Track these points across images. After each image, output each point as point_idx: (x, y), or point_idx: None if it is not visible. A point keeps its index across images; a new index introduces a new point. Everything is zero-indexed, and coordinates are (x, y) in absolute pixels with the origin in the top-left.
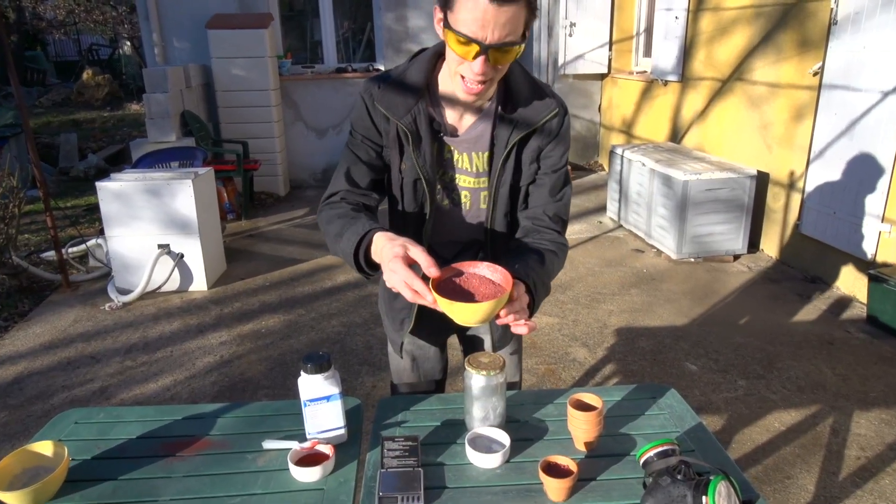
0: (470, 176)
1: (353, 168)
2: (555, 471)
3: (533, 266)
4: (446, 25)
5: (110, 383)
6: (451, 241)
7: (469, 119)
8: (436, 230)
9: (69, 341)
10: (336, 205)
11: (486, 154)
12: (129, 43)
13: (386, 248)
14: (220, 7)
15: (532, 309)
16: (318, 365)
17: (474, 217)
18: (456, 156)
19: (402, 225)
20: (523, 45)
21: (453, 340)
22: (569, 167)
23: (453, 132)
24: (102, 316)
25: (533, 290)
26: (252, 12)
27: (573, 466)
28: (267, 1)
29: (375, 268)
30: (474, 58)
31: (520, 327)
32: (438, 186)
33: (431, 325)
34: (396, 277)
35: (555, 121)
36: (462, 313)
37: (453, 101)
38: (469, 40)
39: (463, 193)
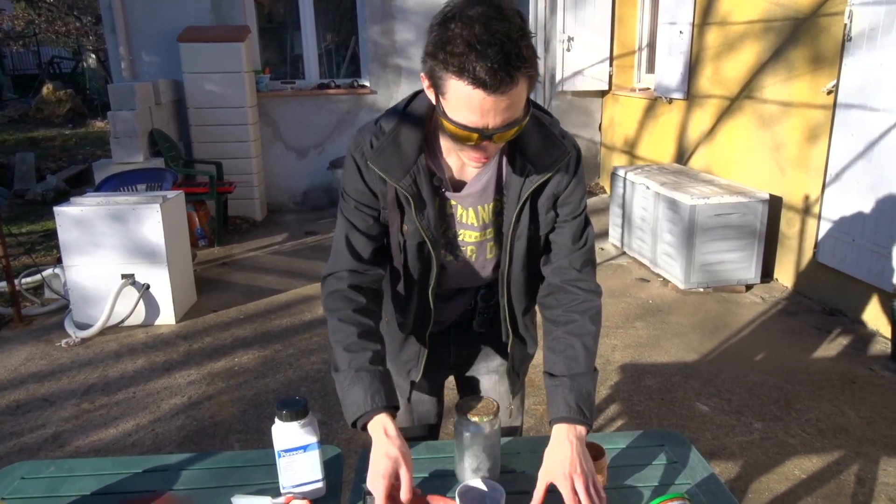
0: (475, 231)
1: (352, 237)
2: None
3: (577, 382)
4: (440, 113)
5: (65, 429)
6: (457, 289)
7: (472, 170)
8: (439, 283)
9: (19, 382)
10: (339, 297)
11: (491, 205)
12: (93, 56)
13: (378, 449)
14: (193, 19)
15: (589, 421)
16: (294, 411)
17: (480, 267)
18: (460, 211)
19: (405, 282)
20: (527, 117)
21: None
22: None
23: (456, 187)
24: (58, 353)
25: (586, 415)
26: (228, 24)
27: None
28: (244, 13)
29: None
30: (476, 144)
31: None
32: (440, 246)
33: (431, 365)
34: (374, 489)
35: (568, 169)
36: None
37: (453, 153)
38: (468, 129)
39: (469, 248)
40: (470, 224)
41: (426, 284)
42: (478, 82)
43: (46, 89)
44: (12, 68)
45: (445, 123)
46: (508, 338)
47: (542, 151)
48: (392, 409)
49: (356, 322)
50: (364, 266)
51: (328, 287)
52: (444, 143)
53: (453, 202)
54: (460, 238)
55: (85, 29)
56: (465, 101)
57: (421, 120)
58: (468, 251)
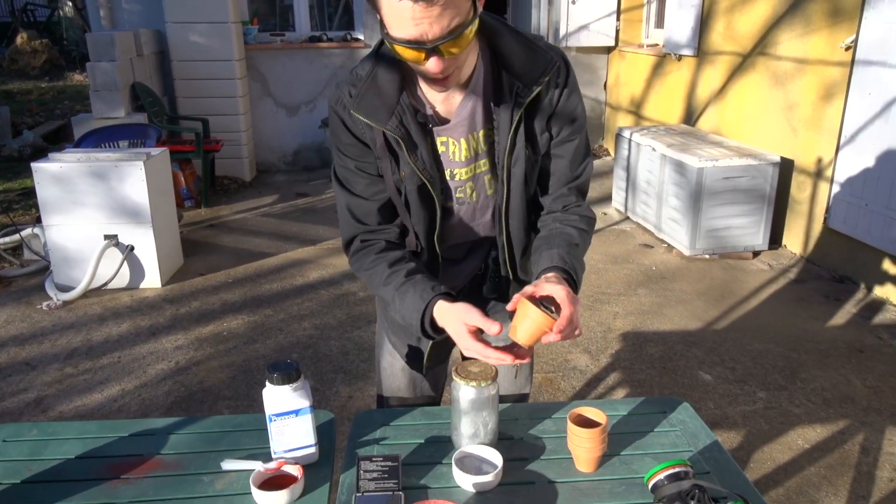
0: (467, 166)
1: (353, 205)
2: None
3: (570, 251)
4: (384, 36)
5: (47, 393)
6: (461, 244)
7: (457, 97)
8: (444, 235)
9: (0, 345)
10: (364, 254)
11: (482, 133)
12: (70, 2)
13: (452, 325)
14: None
15: (575, 290)
16: (286, 374)
17: (483, 209)
18: (451, 147)
19: (412, 235)
20: (475, 21)
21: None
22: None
23: (443, 120)
24: (39, 316)
25: (575, 277)
26: None
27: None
28: None
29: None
30: (426, 59)
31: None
32: (442, 188)
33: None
34: (472, 353)
35: (559, 75)
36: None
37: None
38: (410, 45)
39: (468, 186)
40: (460, 161)
41: (432, 230)
42: None
43: (21, 39)
44: None
45: (395, 50)
46: (509, 284)
47: (528, 63)
48: (445, 295)
49: (382, 260)
50: (372, 230)
51: (350, 256)
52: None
53: (443, 138)
54: (457, 177)
55: None
56: (397, 15)
57: (396, 59)
58: (467, 190)
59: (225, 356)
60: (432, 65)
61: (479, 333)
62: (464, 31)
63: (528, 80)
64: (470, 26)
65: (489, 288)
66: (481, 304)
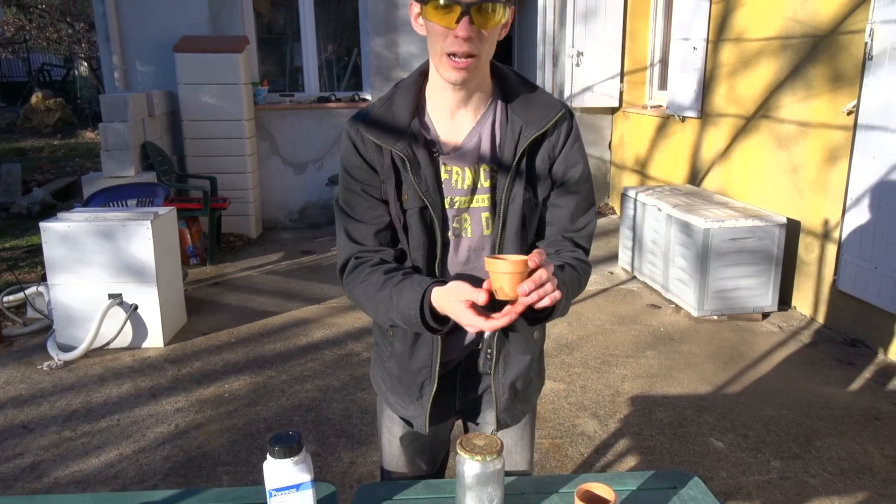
0: (468, 196)
1: (350, 228)
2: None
3: (560, 266)
4: (422, 6)
5: (44, 458)
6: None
7: (466, 127)
8: (445, 267)
9: None
10: (359, 271)
11: (486, 167)
12: (85, 63)
13: (448, 304)
14: (190, 28)
15: (555, 311)
16: (287, 448)
17: (478, 246)
18: (455, 175)
19: (412, 265)
20: (507, 11)
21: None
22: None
23: (449, 150)
24: (39, 377)
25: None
26: (226, 35)
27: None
28: (242, 23)
29: (441, 320)
30: (458, 22)
31: (545, 300)
32: (441, 215)
33: (437, 411)
34: (477, 327)
35: (561, 127)
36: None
37: (445, 113)
38: (448, 3)
39: (464, 217)
40: (461, 189)
41: (432, 261)
42: None
43: (36, 98)
44: (1, 75)
45: (429, 13)
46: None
47: (534, 107)
48: (440, 282)
49: (378, 270)
50: (369, 250)
51: (344, 276)
52: (432, 100)
53: (447, 166)
54: (456, 206)
55: (77, 36)
56: None
57: (413, 87)
58: (463, 222)
59: (226, 419)
60: (462, 28)
61: (477, 307)
62: (497, 5)
63: (533, 120)
64: (502, 8)
65: (484, 362)
66: (478, 382)
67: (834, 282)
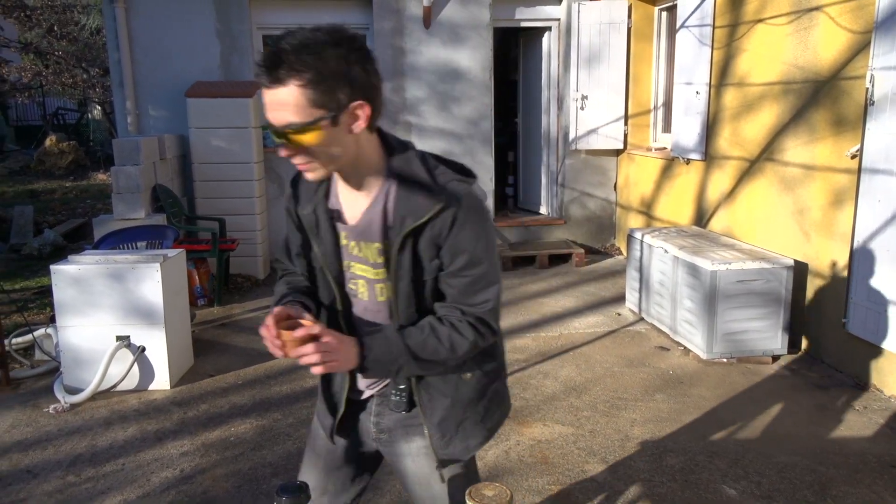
0: (367, 265)
1: (288, 238)
2: None
3: (387, 330)
4: None
5: None
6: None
7: (362, 206)
8: (348, 320)
9: (3, 451)
10: (283, 281)
11: (378, 245)
12: (98, 107)
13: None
14: (202, 74)
15: (364, 367)
16: (295, 498)
17: (374, 308)
18: (352, 244)
19: (324, 308)
20: (319, 128)
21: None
22: (491, 262)
23: (348, 222)
24: (45, 420)
25: (363, 344)
26: (237, 80)
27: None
28: (253, 69)
29: None
30: (277, 139)
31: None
32: (338, 276)
33: (352, 424)
34: (263, 330)
35: (444, 216)
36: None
37: (346, 189)
38: (269, 125)
39: (360, 283)
40: (360, 257)
41: (335, 310)
42: (257, 68)
43: (49, 141)
44: (16, 119)
45: None
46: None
47: (418, 197)
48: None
49: (289, 283)
50: (291, 265)
51: (278, 273)
52: (338, 179)
53: (345, 234)
54: (352, 269)
55: (92, 81)
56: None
57: None
58: (360, 286)
59: (231, 463)
60: (281, 150)
61: (287, 321)
62: (303, 130)
63: (412, 212)
64: (312, 130)
65: (395, 399)
66: (393, 416)
67: (844, 325)
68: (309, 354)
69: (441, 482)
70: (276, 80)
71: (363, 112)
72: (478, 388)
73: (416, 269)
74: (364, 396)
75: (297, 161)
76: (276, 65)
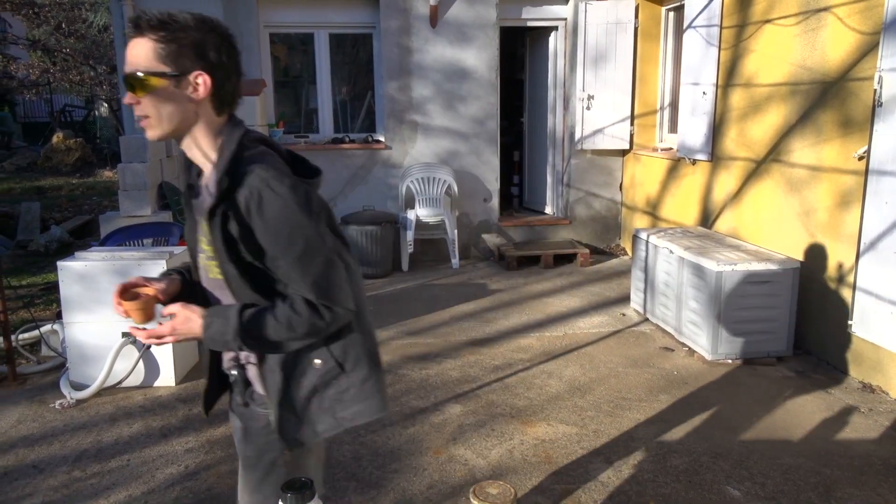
0: (206, 243)
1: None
2: None
3: (230, 308)
4: None
5: (53, 499)
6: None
7: (205, 181)
8: (207, 295)
9: (9, 446)
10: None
11: (206, 223)
12: (106, 105)
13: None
14: None
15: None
16: (300, 495)
17: (212, 285)
18: (200, 220)
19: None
20: (160, 81)
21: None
22: (311, 246)
23: (197, 196)
24: (51, 415)
25: (206, 315)
26: (244, 78)
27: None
28: (260, 66)
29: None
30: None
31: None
32: (193, 250)
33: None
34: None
35: (242, 197)
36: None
37: (202, 167)
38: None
39: (201, 258)
40: (203, 233)
41: (199, 284)
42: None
43: (57, 138)
44: (23, 116)
45: None
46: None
47: (221, 178)
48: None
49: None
50: None
51: None
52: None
53: (196, 210)
54: (200, 244)
55: (99, 78)
56: None
57: None
58: (201, 262)
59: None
60: (126, 97)
61: (131, 291)
62: (139, 77)
63: (215, 191)
64: (152, 80)
65: (234, 376)
66: (243, 391)
67: (849, 327)
68: (145, 321)
69: (277, 463)
70: (138, 30)
71: (203, 81)
72: (326, 377)
73: (230, 250)
74: (227, 371)
75: (138, 113)
76: (143, 21)
